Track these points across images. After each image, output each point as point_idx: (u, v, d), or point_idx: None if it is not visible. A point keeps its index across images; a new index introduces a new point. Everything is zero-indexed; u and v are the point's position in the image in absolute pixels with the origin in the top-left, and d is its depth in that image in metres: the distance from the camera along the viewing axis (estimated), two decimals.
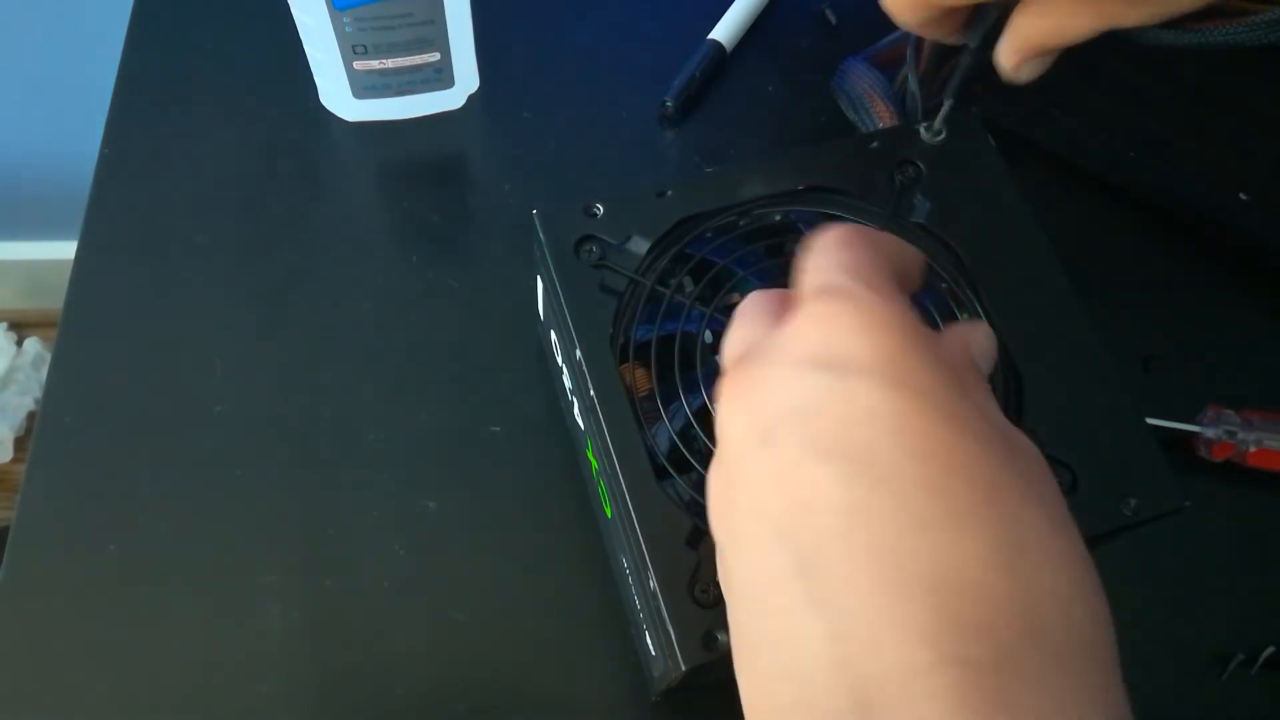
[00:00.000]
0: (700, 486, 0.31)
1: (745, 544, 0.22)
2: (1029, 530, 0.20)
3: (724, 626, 0.28)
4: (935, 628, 0.18)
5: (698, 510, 0.30)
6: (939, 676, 0.18)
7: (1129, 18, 0.26)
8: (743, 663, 0.22)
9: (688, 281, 0.34)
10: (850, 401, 0.20)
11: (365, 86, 0.48)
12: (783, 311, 0.24)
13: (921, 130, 0.36)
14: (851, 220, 0.35)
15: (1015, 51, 0.29)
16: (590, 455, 0.35)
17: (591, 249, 0.33)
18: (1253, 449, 0.41)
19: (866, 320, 0.21)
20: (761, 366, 0.22)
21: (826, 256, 0.24)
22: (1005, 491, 0.20)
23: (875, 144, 0.36)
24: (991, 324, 0.33)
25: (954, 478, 0.20)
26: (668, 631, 0.29)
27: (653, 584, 0.29)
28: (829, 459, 0.20)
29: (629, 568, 0.33)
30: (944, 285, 0.34)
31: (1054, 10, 0.27)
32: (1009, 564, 0.19)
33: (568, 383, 0.37)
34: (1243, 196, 0.46)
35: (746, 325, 0.26)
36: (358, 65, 0.47)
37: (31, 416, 1.21)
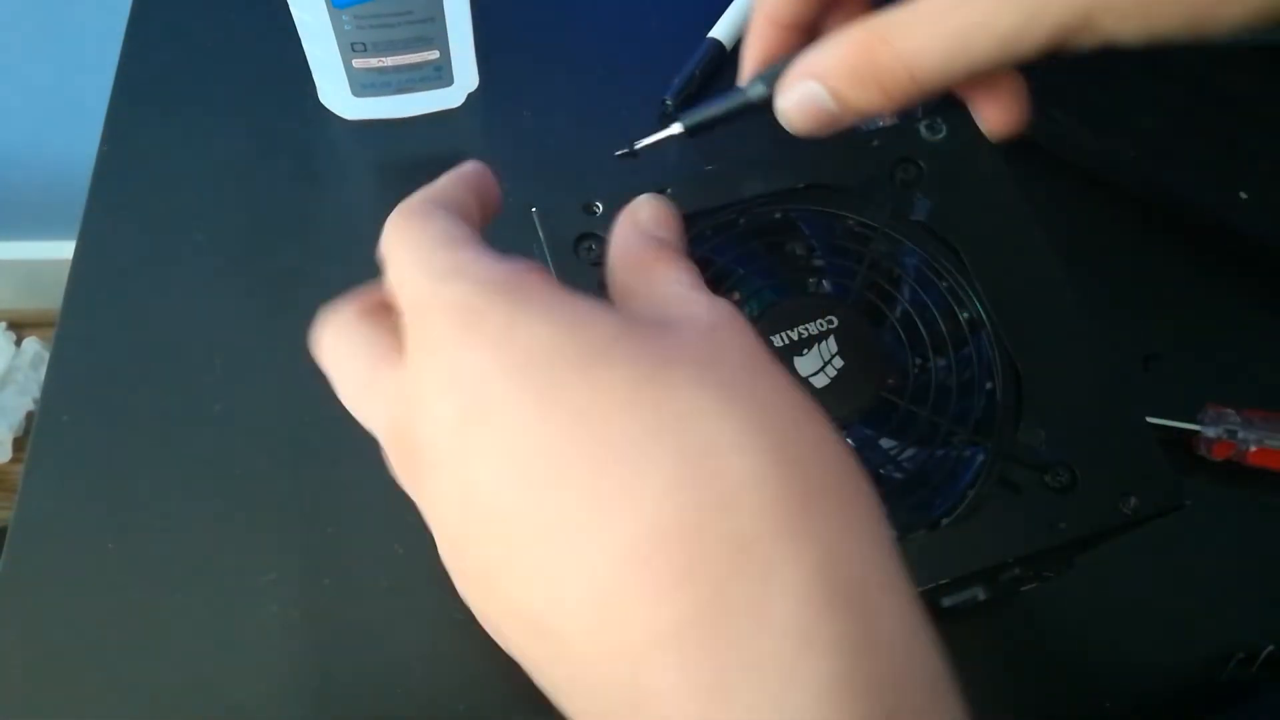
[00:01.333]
0: None
1: (504, 630, 0.20)
2: (705, 424, 0.19)
3: None
4: (638, 612, 0.18)
5: None
6: (650, 666, 0.17)
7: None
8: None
9: None
10: (498, 422, 0.19)
11: (364, 85, 0.48)
12: (384, 340, 0.23)
13: (922, 129, 0.36)
14: (849, 218, 0.35)
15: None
16: None
17: (591, 247, 0.33)
18: (1253, 448, 0.41)
19: (474, 333, 0.20)
20: (413, 431, 0.21)
21: (402, 265, 0.22)
22: (671, 401, 0.19)
23: (876, 142, 0.36)
24: (990, 323, 0.33)
25: (611, 430, 0.18)
26: None
27: None
28: (507, 488, 0.19)
29: None
30: (944, 284, 0.34)
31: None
32: (694, 482, 0.18)
33: None
34: (1243, 196, 0.46)
35: (355, 376, 0.24)
36: (357, 63, 0.47)
37: (30, 416, 1.20)
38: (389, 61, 0.47)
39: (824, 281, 0.35)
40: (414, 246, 0.22)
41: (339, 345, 0.24)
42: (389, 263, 0.23)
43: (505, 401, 0.19)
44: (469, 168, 0.26)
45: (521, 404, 0.19)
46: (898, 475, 0.32)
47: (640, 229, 0.25)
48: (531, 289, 0.20)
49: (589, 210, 0.33)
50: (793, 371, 0.32)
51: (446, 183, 0.26)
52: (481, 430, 0.19)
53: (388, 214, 0.25)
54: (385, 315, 0.23)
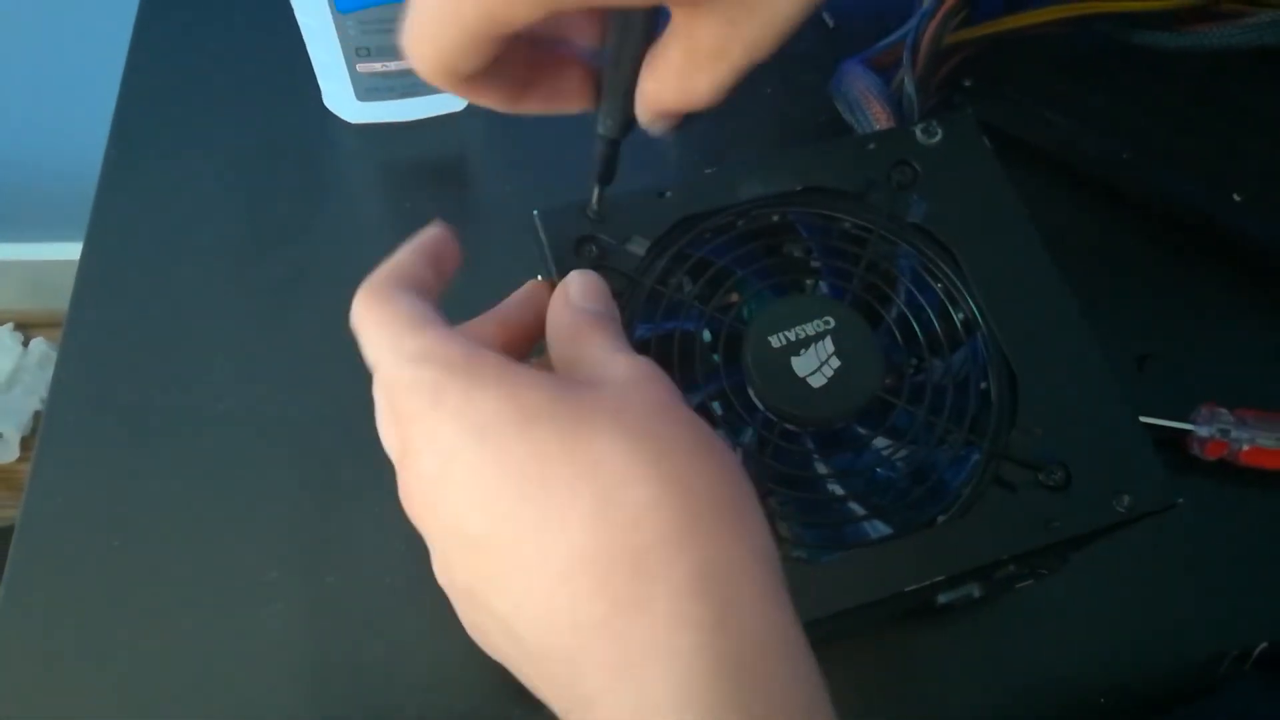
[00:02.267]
0: None
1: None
2: (614, 463, 0.23)
3: None
4: (572, 617, 0.23)
5: None
6: (585, 659, 0.23)
7: (736, 60, 0.26)
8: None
9: (686, 281, 0.34)
10: (462, 477, 0.25)
11: (368, 89, 0.49)
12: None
13: (918, 132, 0.36)
14: (846, 220, 0.35)
15: (646, 114, 0.28)
16: None
17: (591, 249, 0.33)
18: (1245, 447, 0.42)
19: (440, 407, 0.25)
20: (409, 486, 0.26)
21: (378, 352, 0.27)
22: (589, 448, 0.24)
23: (872, 145, 0.36)
24: (985, 323, 0.34)
25: (547, 475, 0.24)
26: None
27: None
28: (471, 529, 0.24)
29: None
30: (940, 285, 0.35)
31: (669, 74, 0.27)
32: (605, 512, 0.23)
33: None
34: (1236, 197, 0.46)
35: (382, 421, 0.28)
36: (361, 67, 0.47)
37: (37, 416, 1.21)
38: (393, 66, 0.47)
39: (821, 283, 0.35)
40: (383, 330, 0.27)
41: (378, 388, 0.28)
42: (361, 341, 0.28)
43: (468, 459, 0.24)
44: (429, 236, 0.31)
45: (480, 460, 0.24)
46: (894, 474, 0.32)
47: (571, 304, 0.29)
48: (482, 367, 0.25)
49: (590, 213, 0.34)
50: (790, 370, 0.32)
51: (405, 258, 0.30)
52: (453, 481, 0.25)
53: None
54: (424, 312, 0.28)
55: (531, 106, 0.29)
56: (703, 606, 0.22)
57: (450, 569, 0.26)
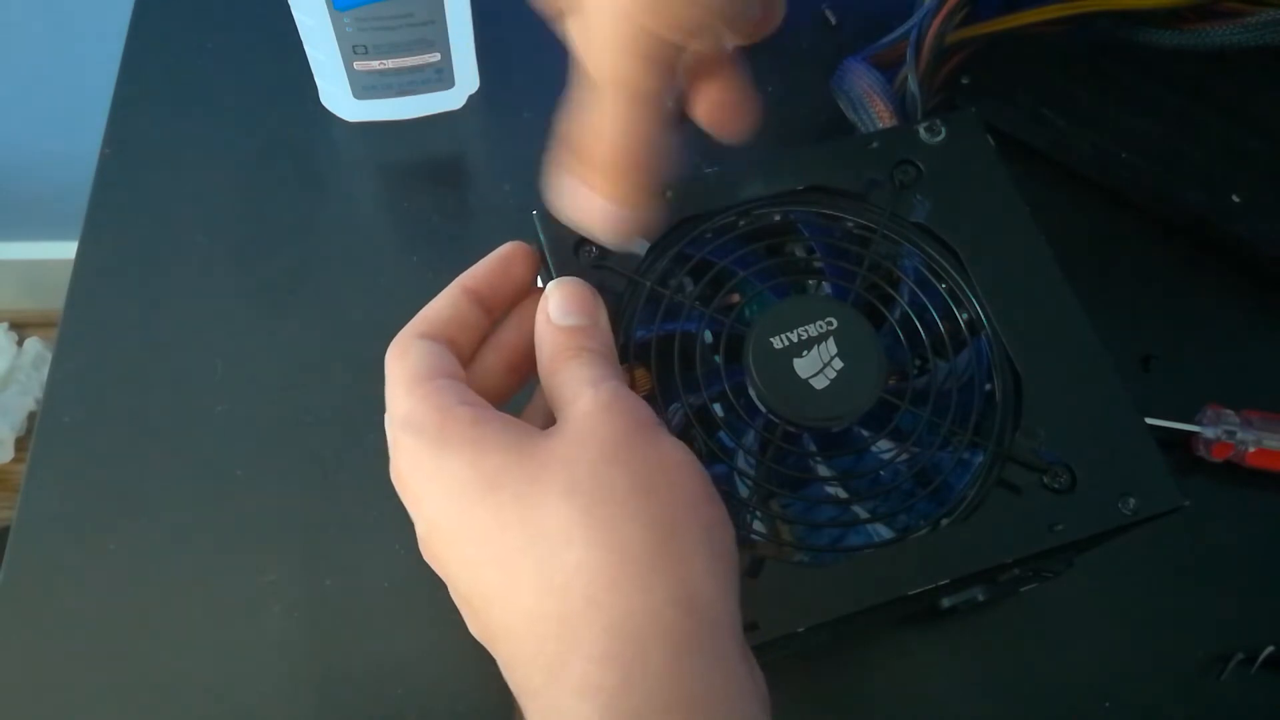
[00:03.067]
0: None
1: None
2: (554, 524, 0.25)
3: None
4: (516, 677, 0.26)
5: None
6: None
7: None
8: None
9: (687, 282, 0.34)
10: (439, 539, 0.28)
11: (366, 87, 0.48)
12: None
13: (921, 130, 0.36)
14: (849, 220, 0.35)
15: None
16: None
17: (591, 249, 0.33)
18: (1252, 449, 0.42)
19: (419, 471, 0.28)
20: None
21: (387, 404, 0.29)
22: (537, 510, 0.25)
23: (875, 144, 0.36)
24: (989, 324, 0.33)
25: (505, 539, 0.25)
26: None
27: None
28: (453, 576, 0.28)
29: None
30: (943, 285, 0.34)
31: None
32: (543, 576, 0.25)
33: None
34: (1235, 199, 0.46)
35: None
36: (358, 66, 0.47)
37: (32, 416, 1.21)
38: (390, 64, 0.47)
39: (824, 283, 0.35)
40: (390, 386, 0.29)
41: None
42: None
43: (444, 521, 0.27)
44: (490, 261, 0.32)
45: (456, 525, 0.27)
46: (897, 477, 0.32)
47: (551, 322, 0.30)
48: (450, 431, 0.27)
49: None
50: (792, 372, 0.32)
51: (440, 302, 0.31)
52: (439, 541, 0.28)
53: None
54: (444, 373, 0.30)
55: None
56: (609, 670, 0.23)
57: (464, 615, 0.29)
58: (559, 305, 0.30)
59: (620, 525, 0.25)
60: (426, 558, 0.29)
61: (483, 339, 0.32)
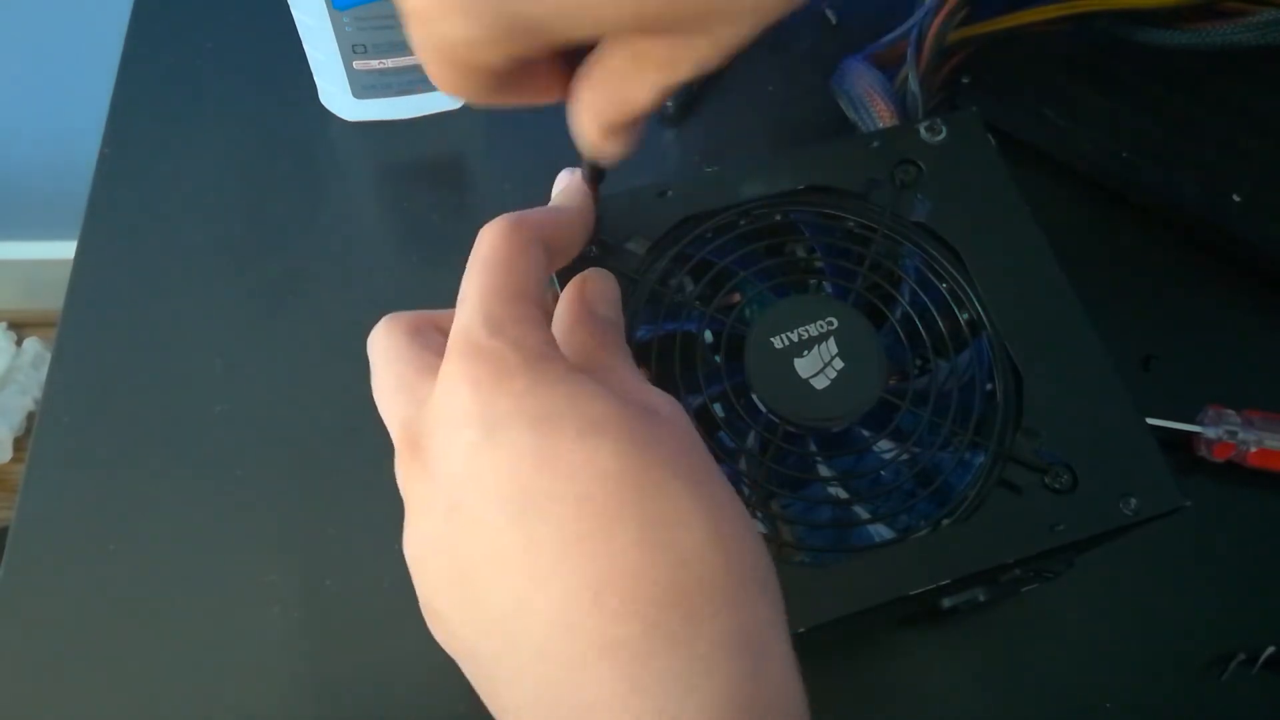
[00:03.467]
0: None
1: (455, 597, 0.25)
2: (668, 501, 0.23)
3: None
4: (596, 626, 0.22)
5: None
6: (600, 663, 0.22)
7: (681, 70, 0.24)
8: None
9: (688, 281, 0.34)
10: (505, 455, 0.24)
11: (365, 86, 0.48)
12: (423, 357, 0.27)
13: (921, 130, 0.36)
14: (849, 219, 0.35)
15: (591, 128, 0.26)
16: None
17: (591, 249, 0.33)
18: (1253, 449, 0.41)
19: (498, 370, 0.24)
20: (427, 438, 0.25)
21: (470, 295, 0.26)
22: (646, 475, 0.23)
23: (875, 143, 0.36)
24: (990, 324, 0.33)
25: (596, 487, 0.23)
26: None
27: None
28: (499, 509, 0.23)
29: None
30: (944, 285, 0.34)
31: (608, 82, 0.25)
32: (655, 542, 0.23)
33: None
34: (1236, 198, 0.45)
35: (393, 377, 0.28)
36: (358, 65, 0.47)
37: (31, 416, 1.20)
38: (390, 63, 0.47)
39: (824, 283, 0.35)
40: (488, 276, 0.26)
41: (388, 346, 0.28)
42: (468, 269, 0.26)
43: (517, 443, 0.23)
44: (584, 202, 0.30)
45: (529, 448, 0.23)
46: (898, 477, 0.32)
47: (589, 307, 0.29)
48: (553, 364, 0.24)
49: None
50: (793, 372, 0.32)
51: (562, 216, 0.29)
52: (491, 458, 0.23)
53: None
54: (434, 333, 0.28)
55: (507, 100, 0.27)
56: (741, 659, 0.23)
57: (440, 545, 0.25)
58: (600, 294, 0.29)
59: (734, 536, 0.24)
60: (442, 462, 0.24)
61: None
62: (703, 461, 0.25)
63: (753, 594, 0.24)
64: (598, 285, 0.29)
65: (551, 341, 0.25)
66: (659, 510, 0.23)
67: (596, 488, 0.23)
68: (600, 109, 0.26)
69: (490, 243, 0.26)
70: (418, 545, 0.26)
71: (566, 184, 0.31)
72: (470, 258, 0.27)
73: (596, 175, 0.30)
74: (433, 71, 0.24)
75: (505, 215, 0.27)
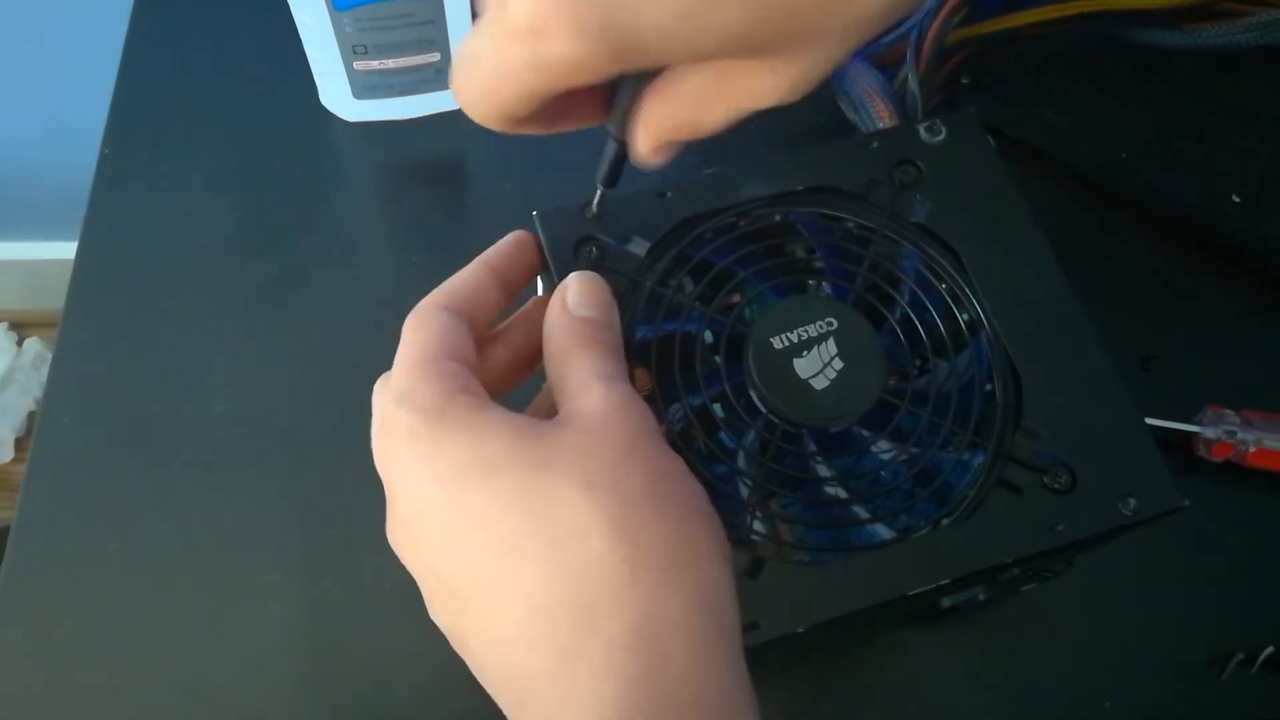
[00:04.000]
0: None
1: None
2: (567, 514, 0.25)
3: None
4: (521, 661, 0.25)
5: None
6: (532, 695, 0.25)
7: (761, 98, 0.25)
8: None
9: (688, 282, 0.34)
10: (431, 524, 0.26)
11: (366, 87, 0.48)
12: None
13: (921, 130, 0.36)
14: (849, 220, 0.35)
15: (648, 140, 0.28)
16: None
17: (591, 250, 0.33)
18: (1252, 449, 0.41)
19: (411, 450, 0.27)
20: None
21: (396, 365, 0.28)
22: (543, 498, 0.25)
23: (875, 144, 0.36)
24: (989, 324, 0.33)
25: (502, 524, 0.25)
26: None
27: None
28: (447, 562, 0.26)
29: None
30: (943, 285, 0.34)
31: (683, 101, 0.26)
32: (556, 561, 0.25)
33: None
34: (1235, 199, 0.45)
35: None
36: (358, 65, 0.47)
37: (32, 416, 1.20)
38: (390, 64, 0.47)
39: (824, 283, 0.35)
40: (401, 354, 0.28)
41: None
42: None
43: (435, 503, 0.26)
44: (498, 247, 0.32)
45: (447, 509, 0.26)
46: (898, 477, 0.32)
47: (566, 311, 0.30)
48: (452, 414, 0.26)
49: (589, 214, 0.33)
50: (793, 372, 0.32)
51: (467, 275, 0.31)
52: (426, 526, 0.26)
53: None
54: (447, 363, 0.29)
55: (566, 128, 0.29)
56: (632, 659, 0.23)
57: (432, 605, 0.28)
58: (577, 295, 0.30)
59: (641, 525, 0.25)
60: (398, 541, 0.28)
61: (497, 317, 0.32)
62: (619, 454, 0.26)
63: (651, 590, 0.24)
64: (577, 286, 0.30)
65: (452, 390, 0.27)
66: (557, 528, 0.24)
67: (503, 525, 0.25)
68: (666, 127, 0.27)
69: (404, 327, 0.29)
70: (425, 596, 0.29)
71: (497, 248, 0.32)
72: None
73: (613, 179, 0.31)
74: (504, 92, 0.25)
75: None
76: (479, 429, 0.26)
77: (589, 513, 0.25)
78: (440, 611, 0.27)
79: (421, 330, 0.29)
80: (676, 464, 0.27)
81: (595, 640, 0.24)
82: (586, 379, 0.28)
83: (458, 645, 0.27)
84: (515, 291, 0.32)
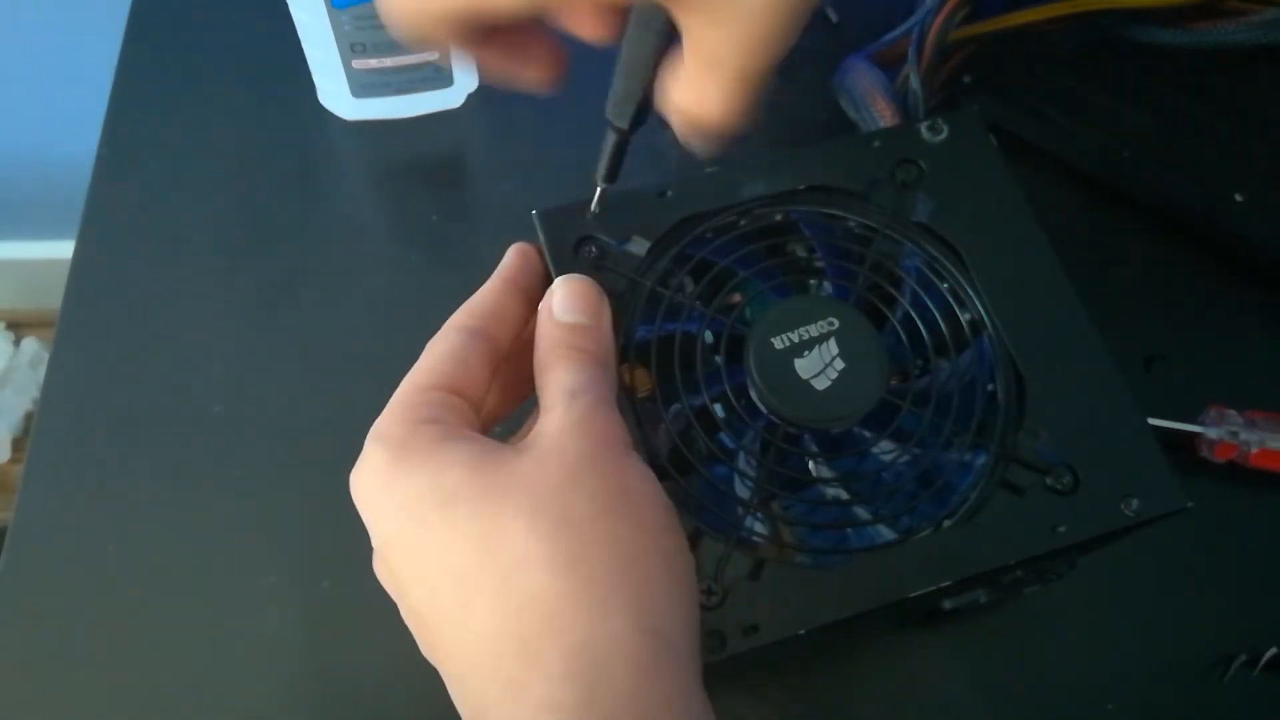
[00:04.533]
0: (703, 487, 0.31)
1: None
2: (515, 545, 0.25)
3: (730, 627, 0.28)
4: (476, 695, 0.25)
5: (699, 511, 0.30)
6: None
7: (721, 57, 0.26)
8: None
9: (688, 281, 0.34)
10: (402, 550, 0.27)
11: (364, 85, 0.48)
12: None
13: (923, 129, 0.36)
14: (850, 219, 0.35)
15: (681, 126, 0.28)
16: None
17: (591, 249, 0.33)
18: (1255, 449, 0.41)
19: (378, 481, 0.28)
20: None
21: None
22: (493, 527, 0.25)
23: (877, 143, 0.36)
24: (991, 324, 0.33)
25: (458, 557, 0.25)
26: None
27: None
28: (415, 590, 0.27)
29: None
30: (945, 285, 0.34)
31: (696, 84, 0.26)
32: (505, 594, 0.25)
33: None
34: (1238, 198, 0.45)
35: None
36: (357, 64, 0.47)
37: (29, 417, 1.20)
38: (389, 62, 0.47)
39: (825, 283, 0.35)
40: (395, 396, 0.29)
41: None
42: None
43: (398, 535, 0.27)
44: (511, 254, 0.32)
45: (408, 537, 0.26)
46: (900, 478, 0.32)
47: (552, 316, 0.30)
48: (413, 446, 0.27)
49: (590, 213, 0.33)
50: (794, 372, 0.31)
51: (486, 289, 0.31)
52: (392, 552, 0.27)
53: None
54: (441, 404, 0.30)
55: (486, 58, 0.29)
56: (570, 689, 0.23)
57: (412, 631, 0.28)
58: (562, 301, 0.30)
59: (582, 550, 0.25)
60: (379, 573, 0.28)
61: (523, 327, 0.32)
62: (568, 472, 0.26)
63: (592, 615, 0.24)
64: (563, 291, 0.30)
65: (416, 424, 0.27)
66: (506, 560, 0.25)
67: (458, 557, 0.25)
68: (681, 109, 0.27)
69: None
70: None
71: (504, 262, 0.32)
72: None
73: (612, 174, 0.31)
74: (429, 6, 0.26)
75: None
76: (439, 460, 0.27)
77: (532, 543, 0.25)
78: (421, 639, 0.28)
79: (425, 356, 0.29)
80: (634, 477, 0.27)
81: (536, 673, 0.24)
82: (555, 395, 0.28)
83: (435, 653, 0.27)
84: (536, 298, 0.31)
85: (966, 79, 0.48)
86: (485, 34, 0.28)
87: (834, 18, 0.54)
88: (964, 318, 0.34)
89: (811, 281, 0.35)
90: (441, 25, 0.27)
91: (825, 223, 0.35)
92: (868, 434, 0.32)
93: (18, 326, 1.25)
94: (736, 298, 0.34)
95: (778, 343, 0.32)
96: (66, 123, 0.93)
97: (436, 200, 0.49)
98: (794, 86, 0.51)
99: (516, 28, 0.28)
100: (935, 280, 0.34)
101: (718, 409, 0.32)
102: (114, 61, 0.52)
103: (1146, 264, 0.48)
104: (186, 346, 0.45)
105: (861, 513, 0.32)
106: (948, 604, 0.34)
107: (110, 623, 0.39)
